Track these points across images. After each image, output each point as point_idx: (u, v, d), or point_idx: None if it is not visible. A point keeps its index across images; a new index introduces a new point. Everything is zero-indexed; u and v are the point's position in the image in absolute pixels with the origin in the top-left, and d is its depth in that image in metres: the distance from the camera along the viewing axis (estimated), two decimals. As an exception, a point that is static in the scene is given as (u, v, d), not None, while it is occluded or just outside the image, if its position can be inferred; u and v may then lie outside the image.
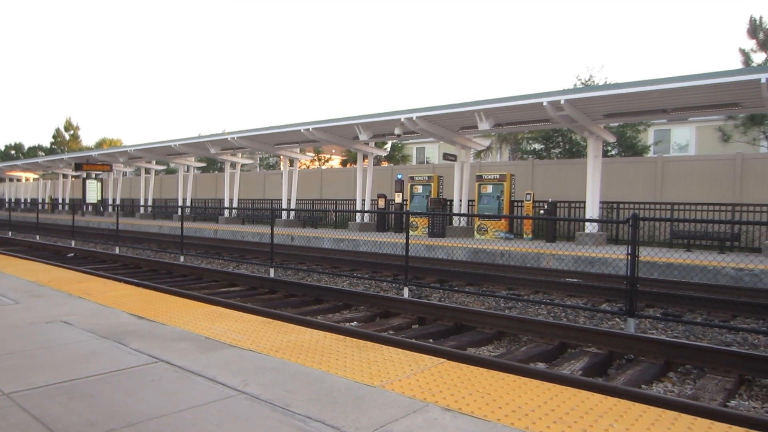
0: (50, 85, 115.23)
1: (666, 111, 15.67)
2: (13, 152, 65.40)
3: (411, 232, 10.02)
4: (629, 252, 6.50)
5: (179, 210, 25.94)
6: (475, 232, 18.59)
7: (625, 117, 17.54)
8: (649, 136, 28.54)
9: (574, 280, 10.68)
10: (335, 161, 42.74)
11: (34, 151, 63.09)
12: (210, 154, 28.56)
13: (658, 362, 5.35)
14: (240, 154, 29.89)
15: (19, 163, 48.72)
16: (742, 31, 21.88)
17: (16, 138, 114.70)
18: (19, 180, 54.55)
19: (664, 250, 13.15)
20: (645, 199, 18.53)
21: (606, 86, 17.70)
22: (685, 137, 30.16)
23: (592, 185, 16.43)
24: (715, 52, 70.49)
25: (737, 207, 15.93)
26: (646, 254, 8.93)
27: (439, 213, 18.37)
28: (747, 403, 4.56)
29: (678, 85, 12.98)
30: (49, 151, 59.84)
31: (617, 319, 7.71)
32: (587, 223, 17.11)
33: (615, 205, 18.10)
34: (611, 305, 8.75)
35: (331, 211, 23.27)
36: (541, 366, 5.34)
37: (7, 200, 52.50)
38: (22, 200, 52.58)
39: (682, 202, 16.90)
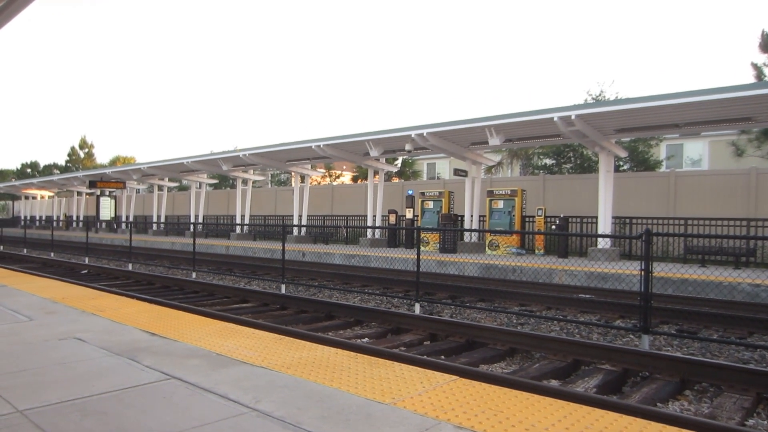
0: (66, 104, 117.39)
1: (678, 125, 15.59)
2: (29, 170, 66.49)
3: (422, 248, 10.02)
4: (643, 267, 6.45)
5: (191, 226, 26.18)
6: (487, 248, 18.51)
7: (636, 132, 17.49)
8: (661, 151, 28.39)
9: (587, 296, 10.58)
10: (346, 177, 42.94)
11: (49, 169, 64.11)
12: (222, 171, 28.84)
13: (674, 380, 5.27)
14: (252, 171, 30.15)
15: (34, 181, 49.45)
16: (753, 45, 21.80)
17: (32, 156, 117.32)
18: (34, 198, 55.41)
19: (678, 266, 12.97)
20: (658, 214, 18.38)
21: (617, 101, 17.68)
22: (698, 152, 29.98)
23: (604, 200, 16.34)
24: (727, 66, 70.27)
25: (752, 222, 15.75)
26: (659, 270, 8.83)
27: (450, 229, 18.35)
28: (765, 422, 4.47)
29: (690, 99, 12.92)
30: (64, 169, 60.75)
31: (631, 336, 7.61)
32: (600, 239, 16.93)
33: (628, 221, 17.95)
34: (625, 322, 8.64)
35: (342, 227, 23.31)
36: (554, 383, 5.29)
37: (22, 218, 53.30)
38: (38, 217, 53.34)
39: (696, 217, 16.73)
